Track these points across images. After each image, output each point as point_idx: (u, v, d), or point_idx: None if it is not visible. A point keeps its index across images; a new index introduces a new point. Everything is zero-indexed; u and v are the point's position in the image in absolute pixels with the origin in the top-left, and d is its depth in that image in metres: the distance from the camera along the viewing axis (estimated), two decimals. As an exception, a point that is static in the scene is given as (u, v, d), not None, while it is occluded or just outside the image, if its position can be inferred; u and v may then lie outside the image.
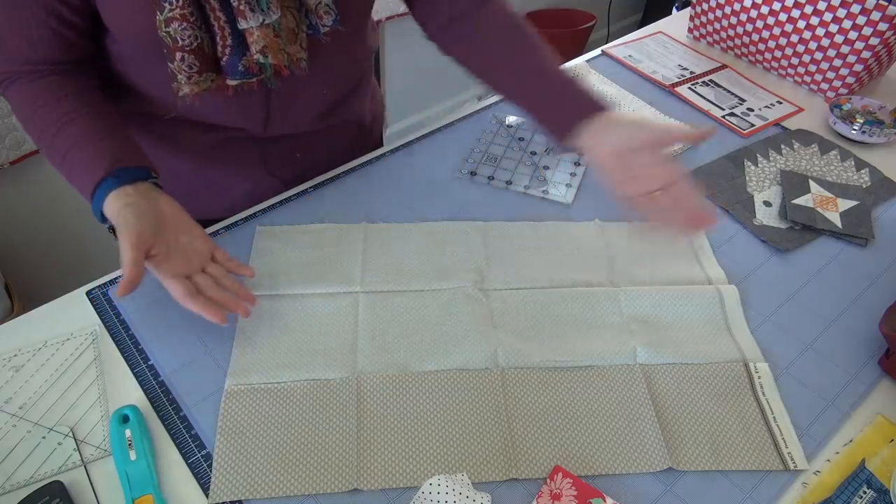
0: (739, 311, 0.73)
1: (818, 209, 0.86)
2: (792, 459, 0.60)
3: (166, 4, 0.61)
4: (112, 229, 0.69)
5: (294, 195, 0.86)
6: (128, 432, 0.59)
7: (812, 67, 1.08)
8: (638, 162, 0.69)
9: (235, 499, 0.57)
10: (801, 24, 1.05)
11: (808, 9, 1.02)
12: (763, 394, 0.65)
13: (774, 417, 0.63)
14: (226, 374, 0.65)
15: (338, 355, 0.67)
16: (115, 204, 0.64)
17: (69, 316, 0.71)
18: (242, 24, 0.64)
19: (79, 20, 0.66)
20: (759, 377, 0.67)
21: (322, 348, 0.68)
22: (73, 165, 0.67)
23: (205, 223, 0.80)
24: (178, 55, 0.64)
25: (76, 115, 0.68)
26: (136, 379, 0.65)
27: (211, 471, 0.58)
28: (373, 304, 0.72)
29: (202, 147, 0.83)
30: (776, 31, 1.09)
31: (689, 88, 1.10)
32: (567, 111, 0.74)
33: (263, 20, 0.64)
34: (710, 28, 1.20)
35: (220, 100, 0.72)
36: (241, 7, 0.62)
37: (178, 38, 0.63)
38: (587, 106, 0.72)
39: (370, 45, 0.89)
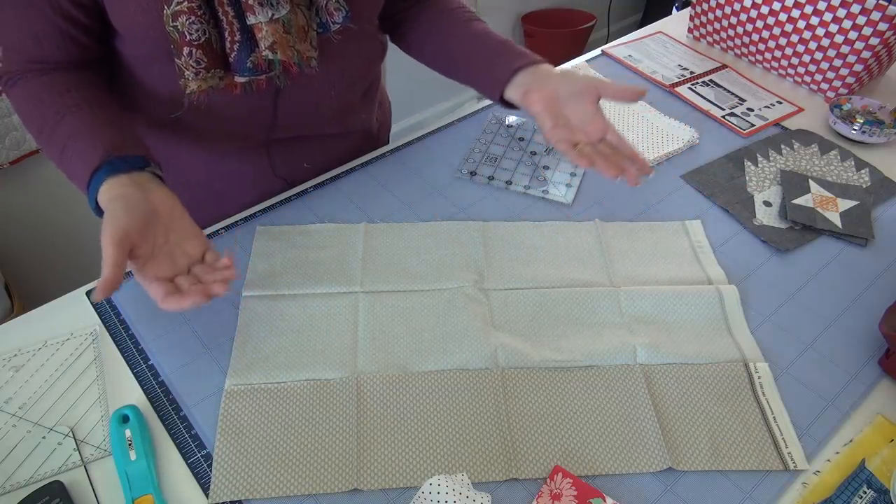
0: (739, 311, 0.73)
1: (818, 209, 0.86)
2: (792, 459, 0.60)
3: None
4: None
5: (294, 195, 0.86)
6: (128, 432, 0.59)
7: (812, 67, 1.08)
8: (569, 111, 0.75)
9: (235, 499, 0.57)
10: (801, 24, 1.05)
11: (808, 9, 1.02)
12: (763, 394, 0.65)
13: (774, 417, 0.63)
14: (226, 375, 0.65)
15: (338, 355, 0.67)
16: (107, 194, 0.60)
17: (69, 316, 0.71)
18: (251, 19, 0.63)
19: (86, 19, 0.66)
20: (759, 377, 0.67)
21: (322, 348, 0.68)
22: (70, 158, 0.64)
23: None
24: (186, 50, 0.63)
25: (76, 108, 0.66)
26: (136, 379, 0.65)
27: (211, 471, 0.58)
28: (373, 304, 0.72)
29: (211, 153, 0.83)
30: (776, 31, 1.08)
31: (689, 88, 1.10)
32: (502, 66, 0.79)
33: (272, 14, 0.63)
34: (710, 28, 1.20)
35: (227, 100, 0.72)
36: (250, 2, 0.62)
37: (186, 33, 0.62)
38: (520, 59, 0.79)
39: (381, 45, 0.89)
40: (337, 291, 0.73)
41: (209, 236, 0.80)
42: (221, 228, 0.81)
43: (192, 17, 0.62)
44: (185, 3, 0.61)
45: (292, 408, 0.63)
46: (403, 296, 0.73)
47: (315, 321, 0.70)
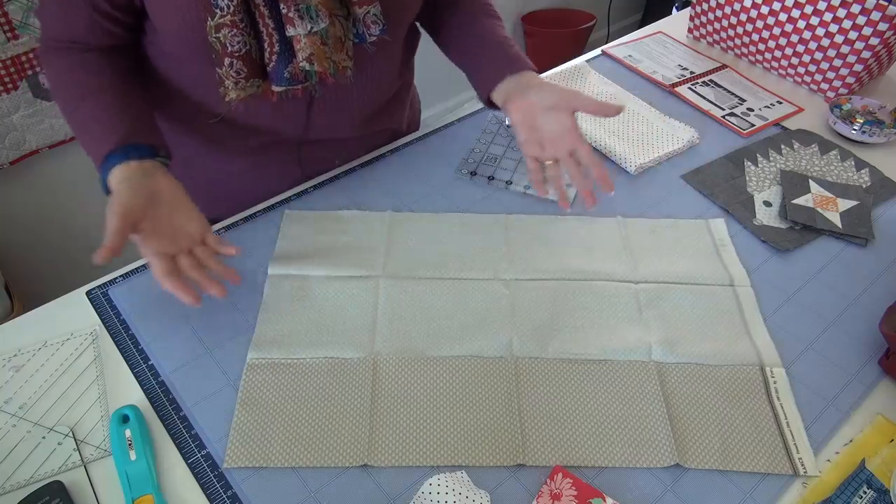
0: (757, 313, 0.73)
1: (818, 209, 0.86)
2: (802, 465, 0.60)
3: (217, 11, 0.62)
4: None
5: (294, 195, 0.86)
6: (128, 432, 0.59)
7: (812, 67, 1.08)
8: (544, 122, 0.76)
9: (249, 465, 0.58)
10: (801, 24, 1.05)
11: (808, 9, 1.02)
12: (778, 398, 0.65)
13: (788, 422, 0.63)
14: (226, 374, 0.66)
15: (356, 336, 0.69)
16: (116, 177, 0.66)
17: (69, 316, 0.71)
18: (290, 32, 0.65)
19: (119, 14, 0.68)
20: (774, 381, 0.66)
21: (342, 328, 0.69)
22: (90, 136, 0.69)
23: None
24: (227, 61, 0.65)
25: (101, 91, 0.70)
26: (136, 379, 0.66)
27: (211, 471, 0.58)
28: (393, 289, 0.73)
29: (241, 148, 0.85)
30: (776, 31, 1.08)
31: (689, 88, 1.10)
32: (492, 71, 0.81)
33: (312, 28, 0.65)
34: (710, 28, 1.20)
35: (262, 104, 0.73)
36: (291, 14, 0.63)
37: (228, 45, 0.64)
38: (510, 66, 0.80)
39: (411, 52, 0.90)
40: (359, 275, 0.75)
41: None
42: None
43: (234, 30, 0.64)
44: (228, 16, 0.62)
45: (310, 384, 0.65)
46: (424, 283, 0.74)
47: (337, 302, 0.72)
